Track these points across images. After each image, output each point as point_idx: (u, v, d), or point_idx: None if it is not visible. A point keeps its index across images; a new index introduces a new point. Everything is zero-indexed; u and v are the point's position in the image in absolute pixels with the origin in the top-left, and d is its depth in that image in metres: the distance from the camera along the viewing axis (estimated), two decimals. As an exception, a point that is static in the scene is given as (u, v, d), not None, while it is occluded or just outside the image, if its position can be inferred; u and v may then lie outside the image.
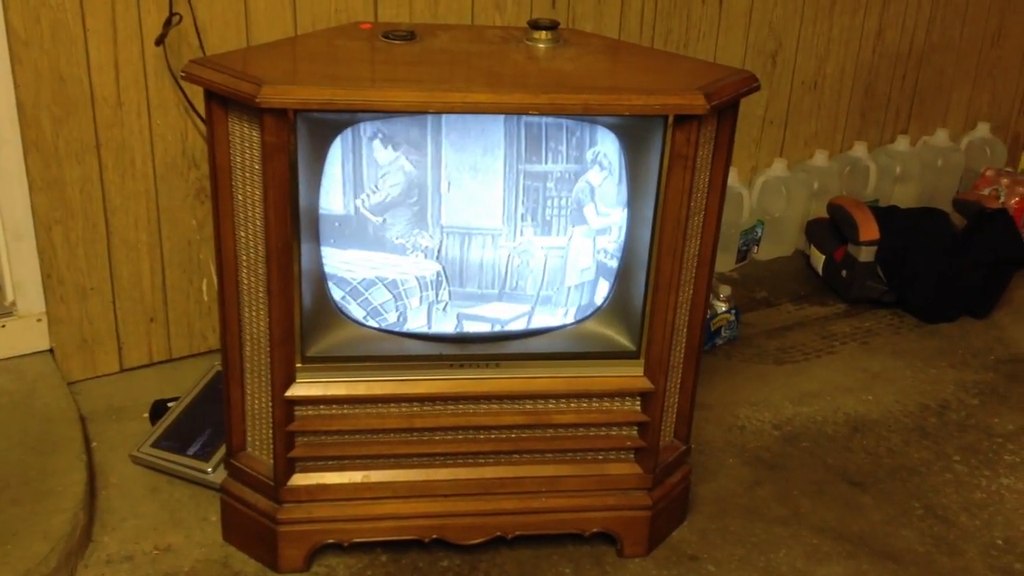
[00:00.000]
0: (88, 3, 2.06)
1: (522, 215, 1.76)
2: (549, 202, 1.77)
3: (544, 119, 1.69)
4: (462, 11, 2.44)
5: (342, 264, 1.75)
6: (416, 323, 1.82)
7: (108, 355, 2.35)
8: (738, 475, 2.25)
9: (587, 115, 1.65)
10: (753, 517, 2.13)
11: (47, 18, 2.03)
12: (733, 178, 2.97)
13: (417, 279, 1.79)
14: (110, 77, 2.13)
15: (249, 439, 1.90)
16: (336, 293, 1.77)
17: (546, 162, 1.74)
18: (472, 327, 1.85)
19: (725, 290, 2.70)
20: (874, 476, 2.27)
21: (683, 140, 1.69)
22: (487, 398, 1.86)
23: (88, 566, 1.90)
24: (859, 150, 3.23)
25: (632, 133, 1.72)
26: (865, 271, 2.86)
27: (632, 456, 1.96)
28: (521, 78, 1.72)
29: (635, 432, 1.93)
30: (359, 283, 1.78)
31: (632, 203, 1.78)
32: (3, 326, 2.23)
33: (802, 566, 2.01)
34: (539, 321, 1.87)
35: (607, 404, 1.90)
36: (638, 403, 1.91)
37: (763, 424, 2.41)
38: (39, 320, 2.25)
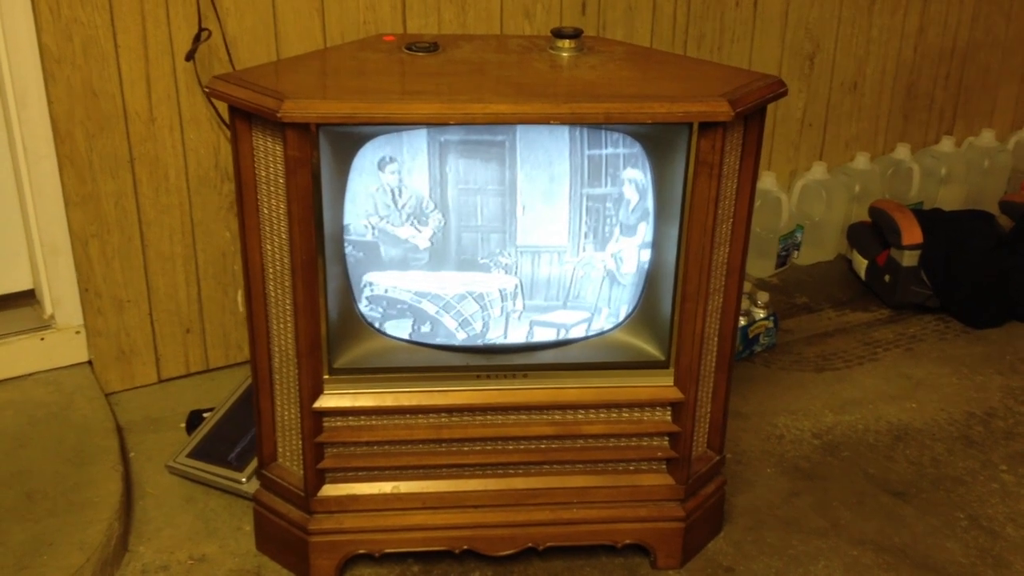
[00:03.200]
0: (119, 20, 2.08)
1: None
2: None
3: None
4: (491, 20, 2.44)
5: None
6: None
7: (146, 366, 2.38)
8: (776, 485, 2.21)
9: (609, 124, 1.64)
10: (791, 528, 2.10)
11: (79, 35, 2.06)
12: (771, 182, 2.94)
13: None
14: (142, 92, 2.15)
15: (280, 450, 1.90)
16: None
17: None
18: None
19: (763, 296, 2.66)
20: (917, 486, 2.22)
21: (708, 147, 1.67)
22: (516, 409, 1.85)
23: (124, 576, 1.93)
24: (902, 152, 3.18)
25: (657, 141, 1.70)
26: (908, 276, 2.81)
27: (664, 467, 1.94)
28: (543, 87, 1.71)
29: (666, 442, 1.91)
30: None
31: (659, 211, 1.76)
32: (42, 339, 2.26)
33: (840, 579, 1.99)
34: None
35: (637, 414, 1.88)
36: (669, 413, 1.89)
37: (802, 433, 2.37)
38: (77, 332, 2.29)
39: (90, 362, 2.32)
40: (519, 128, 1.68)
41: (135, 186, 2.22)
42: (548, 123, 1.62)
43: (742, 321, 2.59)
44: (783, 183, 3.03)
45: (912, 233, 2.78)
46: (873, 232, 2.92)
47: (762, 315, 2.63)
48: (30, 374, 2.27)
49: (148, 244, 2.28)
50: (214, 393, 2.37)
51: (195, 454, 2.14)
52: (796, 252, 3.05)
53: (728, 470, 2.23)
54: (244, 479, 2.07)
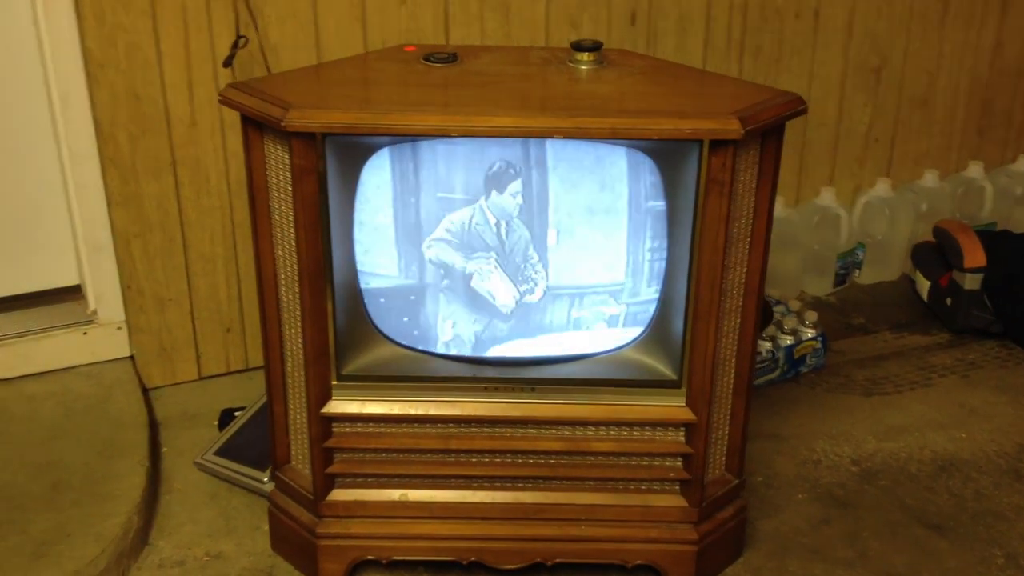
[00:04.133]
0: (162, 27, 2.14)
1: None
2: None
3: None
4: (535, 30, 2.43)
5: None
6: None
7: (187, 363, 2.44)
8: (806, 512, 2.15)
9: (615, 140, 1.61)
10: (815, 557, 2.03)
11: (123, 41, 2.12)
12: (830, 198, 2.86)
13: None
14: (184, 97, 2.20)
15: (292, 453, 1.93)
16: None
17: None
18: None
19: (811, 316, 2.59)
20: (955, 520, 2.13)
21: (719, 165, 1.63)
22: (524, 422, 1.84)
23: (141, 569, 1.96)
24: (974, 170, 3.05)
25: (668, 157, 1.67)
26: (970, 299, 2.70)
27: (677, 488, 1.90)
28: (551, 101, 1.69)
29: (679, 463, 1.87)
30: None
31: (671, 230, 1.72)
32: (85, 333, 2.34)
33: (860, 613, 1.92)
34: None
35: (649, 433, 1.85)
36: (682, 434, 1.85)
37: (841, 459, 2.30)
38: (119, 328, 2.35)
39: (131, 357, 2.39)
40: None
41: (177, 188, 2.28)
42: (552, 137, 1.60)
43: (788, 340, 2.53)
44: (845, 199, 2.94)
45: (975, 255, 2.67)
46: (937, 253, 2.81)
47: (810, 335, 2.56)
48: (72, 367, 2.35)
49: (189, 244, 2.34)
50: (252, 392, 2.41)
51: (222, 452, 2.18)
52: (857, 271, 2.96)
53: (757, 493, 2.18)
54: (266, 479, 2.10)
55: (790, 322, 2.57)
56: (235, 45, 2.15)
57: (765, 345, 2.51)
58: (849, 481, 2.24)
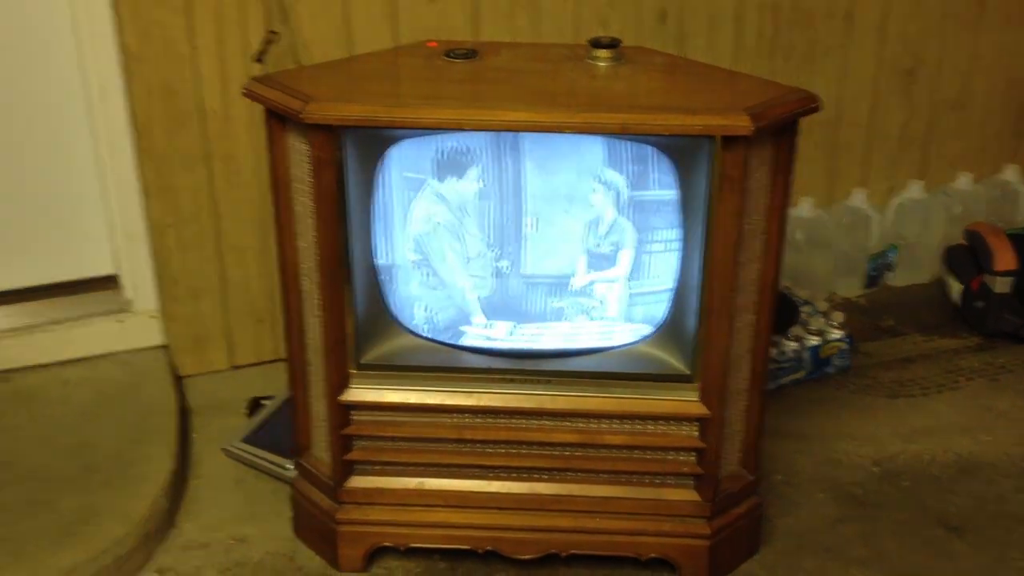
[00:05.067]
0: (196, 22, 2.20)
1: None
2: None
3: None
4: (565, 28, 2.45)
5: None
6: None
7: (219, 352, 2.49)
8: (824, 511, 2.15)
9: (626, 135, 1.63)
10: (831, 556, 2.04)
11: (158, 36, 2.18)
12: (861, 200, 2.85)
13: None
14: (217, 91, 2.26)
15: (313, 440, 1.97)
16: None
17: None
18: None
19: (838, 316, 2.59)
20: (974, 522, 2.12)
21: (731, 161, 1.64)
22: (538, 414, 1.86)
23: (167, 550, 2.02)
24: (1010, 173, 3.03)
25: (682, 153, 1.69)
26: (1001, 303, 2.68)
27: (691, 482, 1.91)
28: (565, 96, 1.72)
29: (693, 458, 1.89)
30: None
31: (685, 225, 1.74)
32: (120, 321, 2.40)
33: (872, 611, 1.92)
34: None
35: (662, 427, 1.87)
36: (695, 429, 1.86)
37: (862, 460, 2.30)
38: (153, 317, 2.42)
39: (165, 346, 2.45)
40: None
41: (210, 180, 2.34)
42: (562, 132, 1.63)
43: (814, 341, 2.53)
44: (879, 201, 2.93)
45: (1005, 258, 2.65)
46: (968, 256, 2.79)
47: (836, 335, 2.55)
48: (107, 354, 2.41)
49: (222, 235, 2.39)
50: (281, 381, 2.42)
51: (249, 439, 2.23)
52: (890, 273, 2.95)
53: (775, 491, 2.18)
54: (290, 465, 2.14)
55: (816, 322, 2.57)
56: (267, 41, 2.20)
57: (791, 345, 2.51)
58: (869, 481, 2.23)
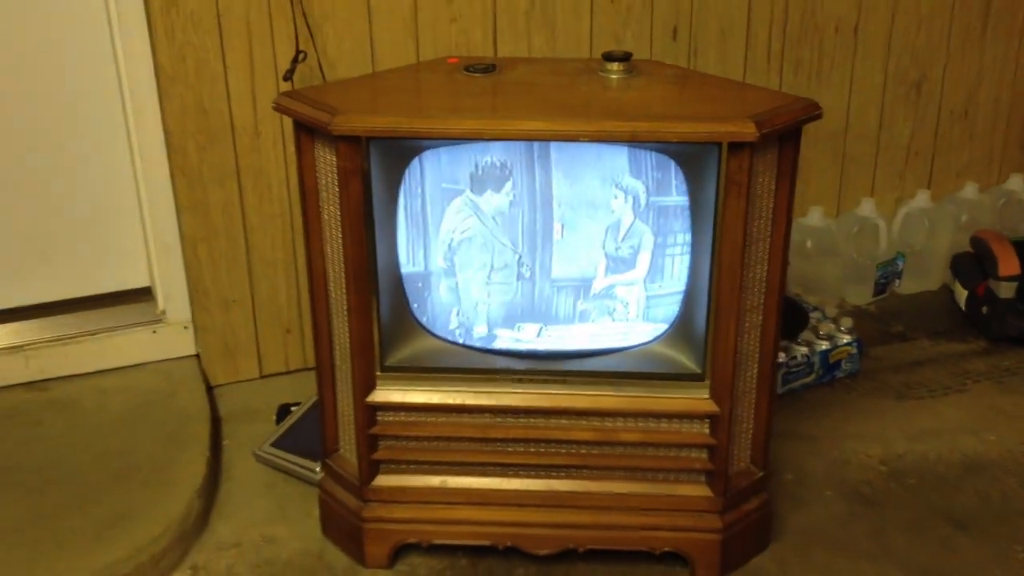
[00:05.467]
0: (228, 43, 2.30)
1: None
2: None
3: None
4: (580, 45, 2.54)
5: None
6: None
7: (249, 362, 2.59)
8: (833, 508, 2.22)
9: (636, 142, 1.72)
10: (840, 550, 2.10)
11: (191, 56, 2.28)
12: (870, 209, 2.93)
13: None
14: (248, 109, 2.36)
15: (340, 441, 2.05)
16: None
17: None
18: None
19: (847, 322, 2.66)
20: (979, 518, 2.19)
21: (737, 167, 1.73)
22: (556, 413, 1.94)
23: (201, 549, 2.10)
24: (1015, 183, 3.10)
25: (690, 160, 1.77)
26: (1005, 307, 2.75)
27: (702, 478, 1.98)
28: (580, 107, 1.81)
29: (704, 455, 1.96)
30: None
31: (694, 229, 1.82)
32: (154, 332, 2.50)
33: (880, 602, 1.99)
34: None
35: (675, 425, 1.94)
36: (706, 426, 1.94)
37: (870, 459, 2.36)
38: (186, 328, 2.51)
39: (197, 355, 2.55)
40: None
41: (241, 195, 2.44)
42: (577, 140, 1.71)
43: (823, 345, 2.60)
44: (886, 210, 3.01)
45: (1009, 264, 2.72)
46: (974, 262, 2.86)
47: (845, 340, 2.63)
48: (142, 364, 2.51)
49: (252, 249, 2.49)
50: (309, 390, 2.52)
51: (278, 444, 2.32)
52: (898, 280, 3.02)
53: (786, 490, 2.25)
54: (318, 468, 2.22)
55: (826, 327, 2.64)
56: (295, 60, 2.30)
57: (801, 350, 2.58)
58: (876, 480, 2.30)
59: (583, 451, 1.97)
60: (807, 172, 2.91)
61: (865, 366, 2.69)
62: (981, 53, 2.99)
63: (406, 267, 1.89)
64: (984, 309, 2.79)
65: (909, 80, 2.94)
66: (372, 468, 2.00)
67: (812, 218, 2.88)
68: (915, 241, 2.99)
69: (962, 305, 2.90)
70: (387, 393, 1.94)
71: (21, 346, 2.44)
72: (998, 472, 2.32)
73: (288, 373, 2.64)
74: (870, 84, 2.90)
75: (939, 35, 2.92)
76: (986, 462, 2.35)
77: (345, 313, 1.91)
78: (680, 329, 1.91)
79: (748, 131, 1.69)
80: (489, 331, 1.94)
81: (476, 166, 1.81)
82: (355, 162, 1.75)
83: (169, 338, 2.51)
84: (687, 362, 1.91)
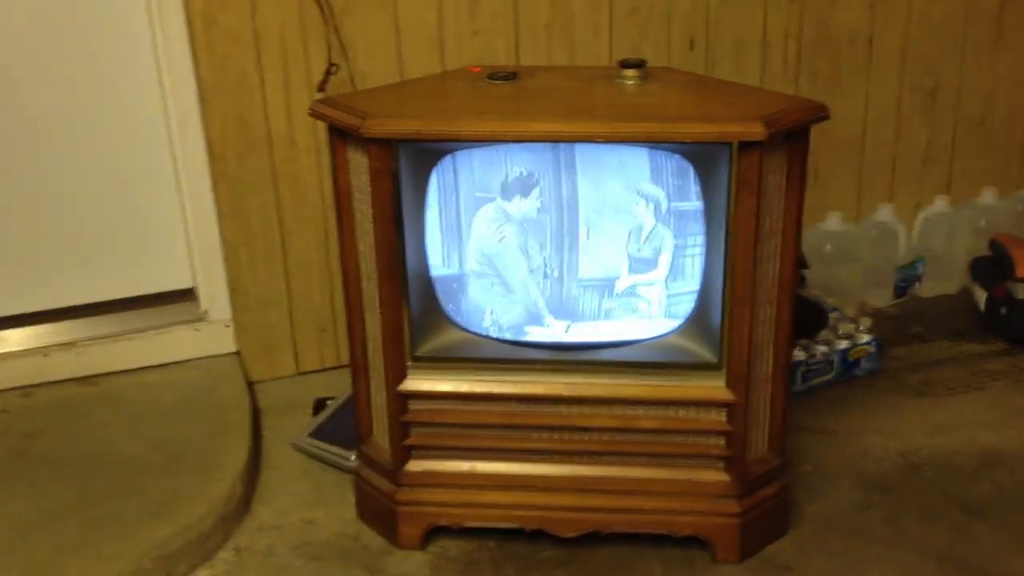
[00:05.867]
0: (265, 56, 2.43)
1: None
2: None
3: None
4: (599, 58, 2.65)
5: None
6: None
7: (286, 359, 2.70)
8: (851, 497, 2.29)
9: (650, 143, 1.82)
10: (857, 536, 2.17)
11: (231, 69, 2.42)
12: (888, 214, 3.00)
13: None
14: (284, 119, 2.49)
15: (374, 428, 2.16)
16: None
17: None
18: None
19: (866, 322, 2.74)
20: (995, 507, 2.25)
21: (747, 166, 1.82)
22: (579, 401, 2.04)
23: (243, 531, 2.20)
24: (1033, 187, 3.17)
25: (704, 160, 1.87)
26: (1023, 309, 2.81)
27: (721, 464, 2.07)
28: (595, 110, 1.91)
29: (722, 441, 2.05)
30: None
31: (709, 226, 1.92)
32: (197, 330, 2.63)
33: (893, 583, 2.05)
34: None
35: (693, 413, 2.03)
36: (723, 414, 2.02)
37: (888, 452, 2.43)
38: (227, 326, 2.63)
39: (238, 352, 2.67)
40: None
41: (278, 201, 2.56)
42: (593, 141, 1.82)
43: (843, 344, 2.68)
44: (905, 216, 3.08)
45: (1026, 265, 2.79)
46: (993, 265, 2.93)
47: (864, 339, 2.70)
48: (186, 360, 2.64)
49: (289, 252, 2.61)
50: (343, 385, 2.63)
51: (315, 434, 2.43)
52: (918, 284, 3.09)
53: (803, 481, 2.33)
54: (352, 457, 2.33)
55: (845, 327, 2.72)
56: (328, 72, 2.42)
57: (820, 348, 2.66)
58: (894, 471, 2.37)
59: (606, 438, 2.06)
60: (826, 178, 3.00)
61: (884, 365, 2.76)
62: (995, 61, 3.06)
63: (442, 269, 1.99)
64: (1003, 311, 2.86)
65: (925, 89, 3.02)
66: (404, 454, 2.10)
67: (831, 223, 2.96)
68: (934, 245, 3.06)
69: (981, 307, 2.97)
70: (417, 382, 2.04)
71: (73, 343, 2.57)
72: (1015, 465, 2.38)
73: (323, 370, 2.75)
74: (886, 93, 2.99)
75: (953, 44, 3.00)
76: (1004, 456, 2.41)
77: (377, 305, 2.01)
78: (697, 321, 1.99)
79: (757, 131, 1.78)
80: (519, 328, 2.05)
81: (506, 175, 1.92)
82: (386, 163, 1.86)
83: (211, 336, 2.64)
84: (704, 353, 1.99)
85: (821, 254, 2.95)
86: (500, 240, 1.97)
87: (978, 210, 3.12)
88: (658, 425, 2.04)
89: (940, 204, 3.06)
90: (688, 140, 1.80)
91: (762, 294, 1.96)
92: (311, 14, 2.43)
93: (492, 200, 1.94)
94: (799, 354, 2.61)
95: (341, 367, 2.75)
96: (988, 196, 3.13)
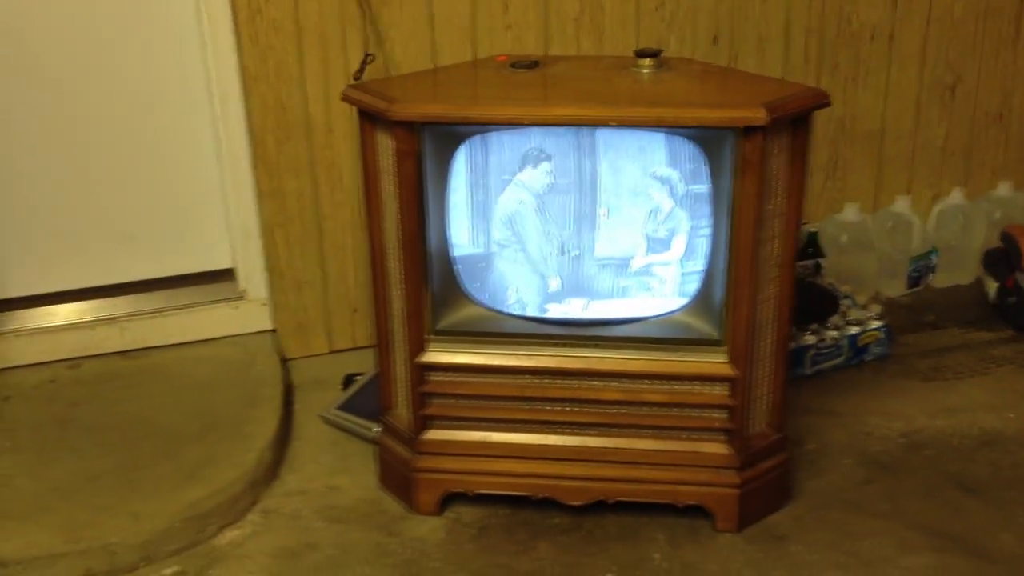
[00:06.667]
0: (305, 47, 2.57)
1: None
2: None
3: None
4: (627, 50, 2.73)
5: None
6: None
7: (319, 338, 2.84)
8: (851, 474, 2.38)
9: (660, 127, 1.93)
10: (854, 510, 2.26)
11: (272, 59, 2.56)
12: (904, 206, 3.08)
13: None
14: (322, 107, 2.62)
15: (396, 399, 2.29)
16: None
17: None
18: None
19: (876, 308, 2.82)
20: (990, 485, 2.33)
21: (751, 149, 1.92)
22: (588, 375, 2.15)
23: (271, 496, 2.34)
24: (1049, 182, 3.23)
25: (711, 143, 1.98)
26: (1032, 298, 2.89)
27: (723, 437, 2.17)
28: (611, 96, 2.03)
29: (724, 415, 2.15)
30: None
31: (714, 206, 2.03)
32: (236, 308, 2.77)
33: (887, 554, 2.14)
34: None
35: (696, 387, 2.14)
36: (726, 388, 2.13)
37: (891, 432, 2.52)
38: (264, 305, 2.78)
39: (273, 330, 2.81)
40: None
41: (314, 185, 2.70)
42: (607, 125, 1.93)
43: (853, 330, 2.77)
44: (922, 207, 3.16)
45: (1035, 256, 2.86)
46: (1004, 256, 3.00)
47: (874, 325, 2.79)
48: (224, 336, 2.79)
49: (324, 234, 2.75)
50: (373, 363, 2.79)
51: (342, 407, 2.56)
52: (932, 274, 3.17)
53: (806, 458, 2.42)
54: (375, 427, 2.46)
55: (855, 313, 2.81)
56: (364, 62, 2.55)
57: (830, 333, 2.75)
58: (895, 450, 2.46)
59: (613, 410, 2.17)
60: (844, 170, 3.09)
61: (894, 351, 2.84)
62: (1014, 58, 3.13)
63: (470, 248, 2.12)
64: (1011, 300, 2.93)
65: (944, 84, 3.10)
66: (422, 423, 2.22)
67: (848, 214, 3.04)
68: (949, 237, 3.14)
69: (992, 297, 3.04)
70: (436, 355, 2.16)
71: (117, 318, 2.73)
72: (1013, 446, 2.46)
73: (355, 349, 2.88)
74: (906, 88, 3.07)
75: (972, 41, 3.08)
76: (1002, 437, 2.49)
77: (400, 282, 2.14)
78: (702, 299, 2.10)
79: (759, 116, 1.88)
80: (541, 305, 2.17)
81: (523, 154, 2.05)
82: (410, 144, 1.99)
83: (248, 314, 2.78)
84: (708, 329, 2.10)
85: (837, 244, 3.04)
86: (519, 202, 2.10)
87: (994, 203, 3.19)
88: (663, 399, 2.15)
89: (956, 196, 3.14)
90: (694, 124, 1.91)
91: (764, 274, 2.06)
92: (351, 6, 2.57)
93: (512, 178, 2.07)
94: (809, 338, 2.71)
95: (372, 346, 2.86)
96: (1004, 189, 3.20)
